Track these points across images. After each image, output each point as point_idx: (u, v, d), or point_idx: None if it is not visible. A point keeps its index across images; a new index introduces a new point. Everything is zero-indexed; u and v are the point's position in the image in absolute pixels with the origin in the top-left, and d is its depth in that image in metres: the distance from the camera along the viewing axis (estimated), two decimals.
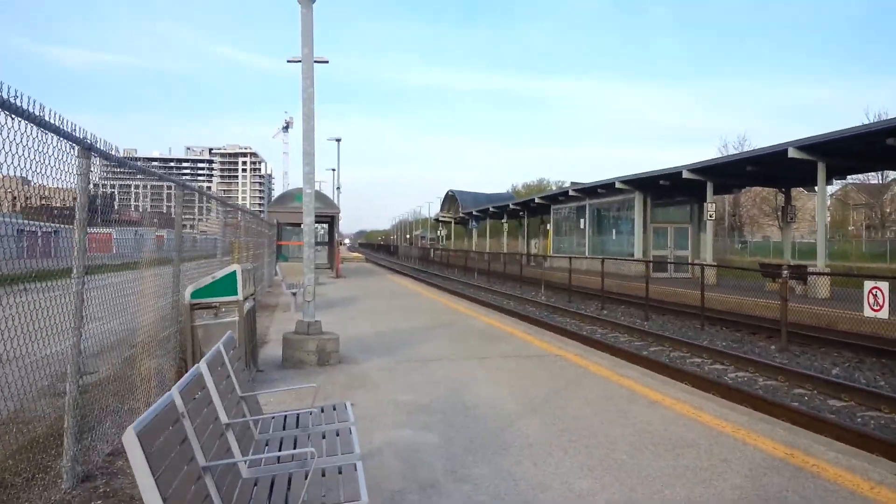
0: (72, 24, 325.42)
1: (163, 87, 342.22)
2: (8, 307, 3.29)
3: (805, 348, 12.47)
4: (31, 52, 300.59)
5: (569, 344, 10.33)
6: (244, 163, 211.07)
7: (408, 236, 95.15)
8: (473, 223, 56.18)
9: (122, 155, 5.05)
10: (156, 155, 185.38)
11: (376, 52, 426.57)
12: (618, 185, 29.25)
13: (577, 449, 4.96)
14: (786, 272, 14.08)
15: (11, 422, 3.91)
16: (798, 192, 29.42)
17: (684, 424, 5.62)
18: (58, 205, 4.67)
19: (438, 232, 74.16)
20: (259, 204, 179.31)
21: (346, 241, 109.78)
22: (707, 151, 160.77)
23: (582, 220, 34.98)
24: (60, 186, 4.06)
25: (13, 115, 3.31)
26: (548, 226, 42.47)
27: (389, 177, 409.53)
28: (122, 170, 5.41)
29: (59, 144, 3.88)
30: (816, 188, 21.29)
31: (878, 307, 11.02)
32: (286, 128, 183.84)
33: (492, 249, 49.02)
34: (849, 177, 34.80)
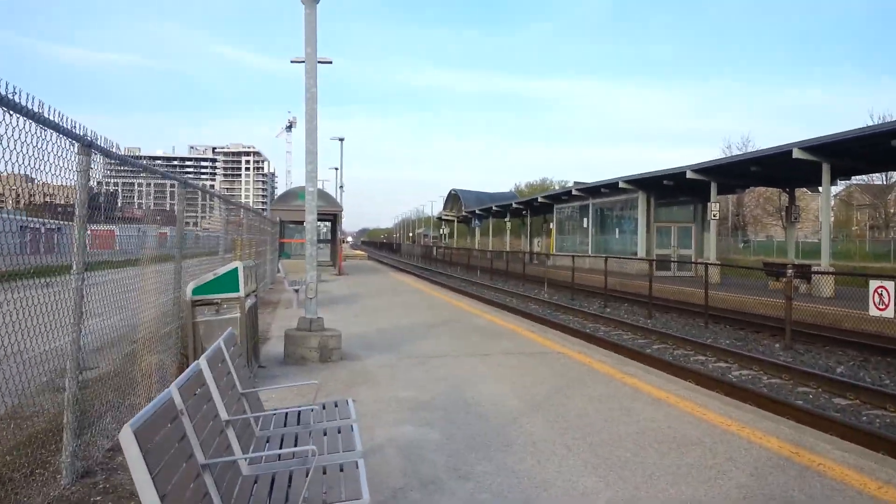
0: (81, 25, 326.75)
1: (168, 87, 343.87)
2: (7, 303, 3.26)
3: (809, 347, 12.41)
4: (35, 52, 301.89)
5: (572, 341, 10.28)
6: (247, 161, 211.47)
7: (410, 235, 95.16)
8: (476, 222, 56.11)
9: (123, 152, 5.01)
10: (160, 154, 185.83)
11: (380, 54, 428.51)
12: (621, 184, 29.21)
13: (581, 446, 4.92)
14: (790, 271, 14.02)
15: (10, 417, 3.89)
16: (802, 193, 29.25)
17: (688, 422, 5.58)
18: (60, 202, 4.64)
19: (441, 230, 74.06)
20: (262, 202, 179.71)
21: (349, 238, 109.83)
22: (708, 152, 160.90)
23: (585, 220, 34.94)
24: (61, 184, 4.03)
25: (11, 112, 3.28)
26: (551, 225, 42.41)
27: (392, 176, 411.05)
28: (125, 168, 5.39)
29: (58, 141, 3.85)
30: (820, 189, 21.24)
31: (884, 306, 10.98)
32: (289, 127, 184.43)
33: (494, 248, 48.90)
34: (853, 177, 34.72)
